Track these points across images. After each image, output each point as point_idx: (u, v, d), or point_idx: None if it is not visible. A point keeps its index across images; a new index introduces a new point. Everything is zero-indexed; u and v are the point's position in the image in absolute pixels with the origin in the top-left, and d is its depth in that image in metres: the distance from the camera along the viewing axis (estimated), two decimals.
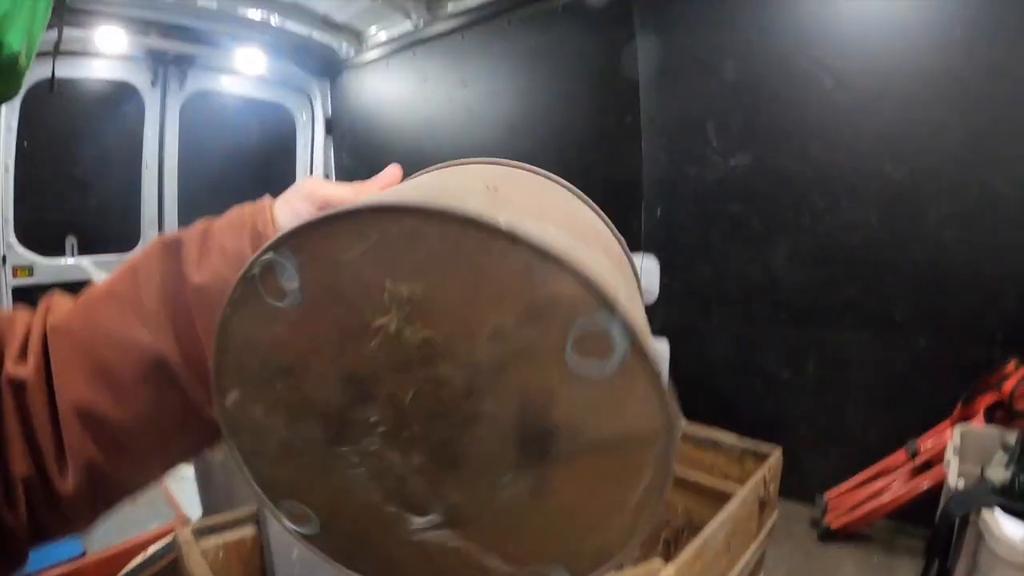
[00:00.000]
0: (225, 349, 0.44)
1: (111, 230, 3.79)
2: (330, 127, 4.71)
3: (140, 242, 3.84)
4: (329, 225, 0.38)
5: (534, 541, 0.42)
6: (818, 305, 2.65)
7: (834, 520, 2.43)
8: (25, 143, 3.27)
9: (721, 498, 1.89)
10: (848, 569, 2.30)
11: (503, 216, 0.35)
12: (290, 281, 0.40)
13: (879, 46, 2.40)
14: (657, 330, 2.89)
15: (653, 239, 3.11)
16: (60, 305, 0.54)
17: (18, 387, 0.49)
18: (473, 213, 0.35)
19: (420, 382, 0.39)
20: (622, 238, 0.63)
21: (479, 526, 0.42)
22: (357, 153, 4.64)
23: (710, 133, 2.83)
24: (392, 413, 0.40)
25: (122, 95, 3.72)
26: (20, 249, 3.30)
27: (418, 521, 0.43)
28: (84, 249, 3.63)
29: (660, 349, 3.08)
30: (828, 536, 2.46)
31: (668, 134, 3.00)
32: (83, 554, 1.65)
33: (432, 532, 0.43)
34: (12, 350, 0.50)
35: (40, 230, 3.43)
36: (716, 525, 1.48)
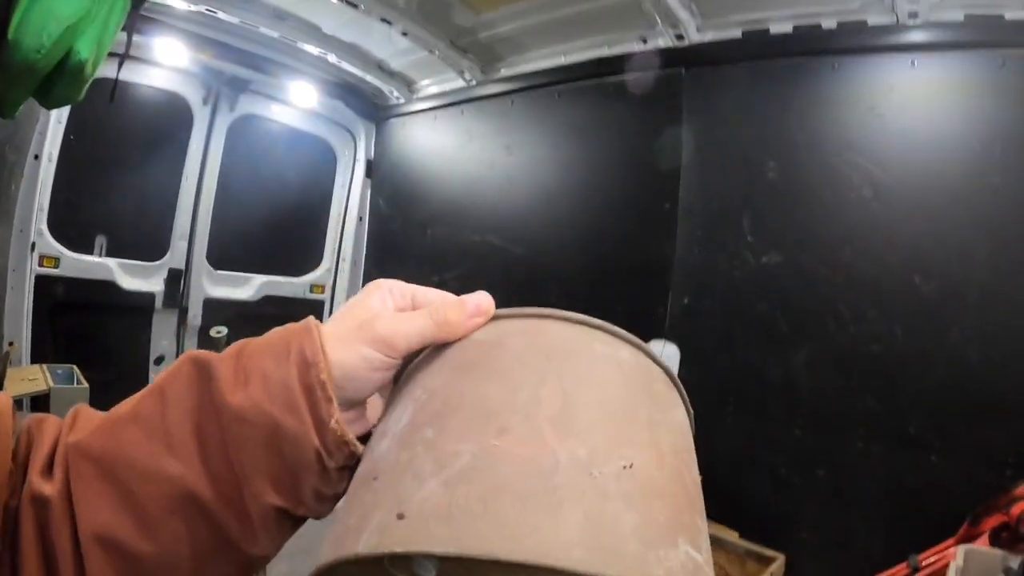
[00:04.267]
0: None
1: (142, 237, 3.82)
2: (370, 170, 4.77)
3: (169, 253, 3.88)
4: None
5: None
6: (834, 412, 2.61)
7: None
8: (72, 137, 3.33)
9: None
10: None
11: None
12: (424, 570, 0.41)
13: (919, 160, 2.44)
14: None
15: (677, 327, 3.10)
16: (85, 420, 0.51)
17: (41, 504, 0.46)
18: None
19: None
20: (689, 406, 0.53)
21: None
22: (393, 200, 4.69)
23: (745, 228, 2.85)
24: None
25: (173, 107, 3.80)
26: (50, 239, 3.33)
27: None
28: (112, 251, 3.65)
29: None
30: None
31: (704, 224, 3.02)
32: None
33: None
34: (38, 462, 0.47)
35: (72, 225, 3.46)
36: None
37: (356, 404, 0.50)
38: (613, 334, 0.48)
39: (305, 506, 0.47)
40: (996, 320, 2.24)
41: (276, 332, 0.49)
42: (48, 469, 0.47)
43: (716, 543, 1.92)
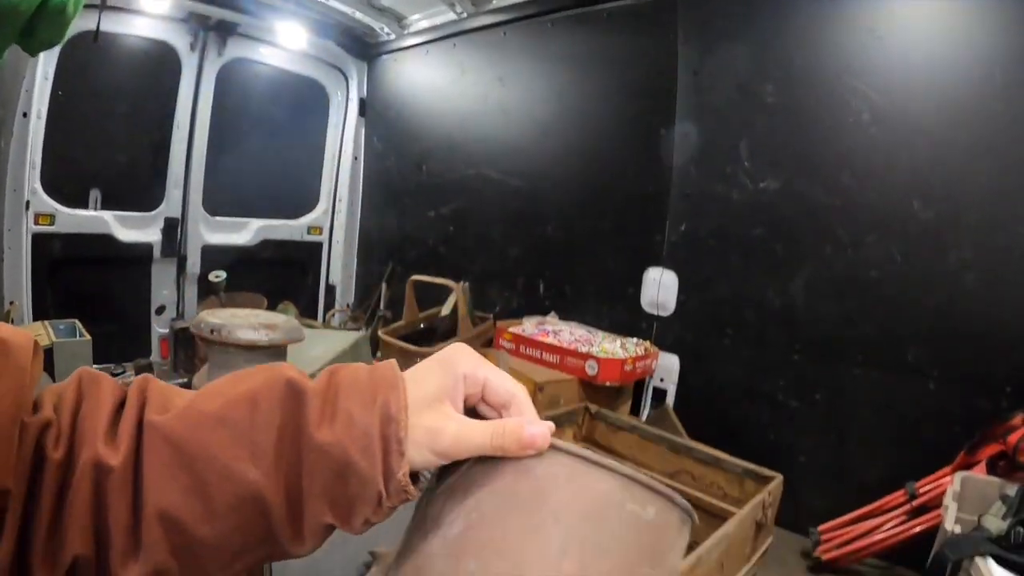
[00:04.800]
0: None
1: (136, 188, 3.81)
2: (363, 108, 4.71)
3: (164, 203, 3.87)
4: None
5: None
6: (832, 338, 2.63)
7: (825, 553, 2.41)
8: (60, 93, 3.29)
9: (719, 517, 1.88)
10: None
11: None
12: None
13: (920, 85, 2.38)
14: (669, 346, 2.90)
15: (674, 254, 3.12)
16: (158, 397, 0.53)
17: (103, 471, 0.48)
18: None
19: None
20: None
21: None
22: (388, 138, 4.64)
23: (743, 153, 2.82)
24: None
25: (160, 55, 3.73)
26: (44, 196, 3.31)
27: None
28: (107, 204, 3.64)
29: (670, 365, 3.07)
30: (819, 568, 2.44)
31: (701, 150, 2.99)
32: None
33: None
34: (101, 426, 0.50)
35: (66, 180, 3.44)
36: (712, 543, 1.48)
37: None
38: (649, 488, 0.52)
39: (352, 528, 0.52)
40: (996, 247, 2.22)
41: (364, 373, 0.53)
42: (111, 437, 0.50)
43: (715, 464, 1.97)
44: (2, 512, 0.46)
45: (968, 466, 2.09)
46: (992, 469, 2.04)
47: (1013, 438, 1.99)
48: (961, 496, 1.86)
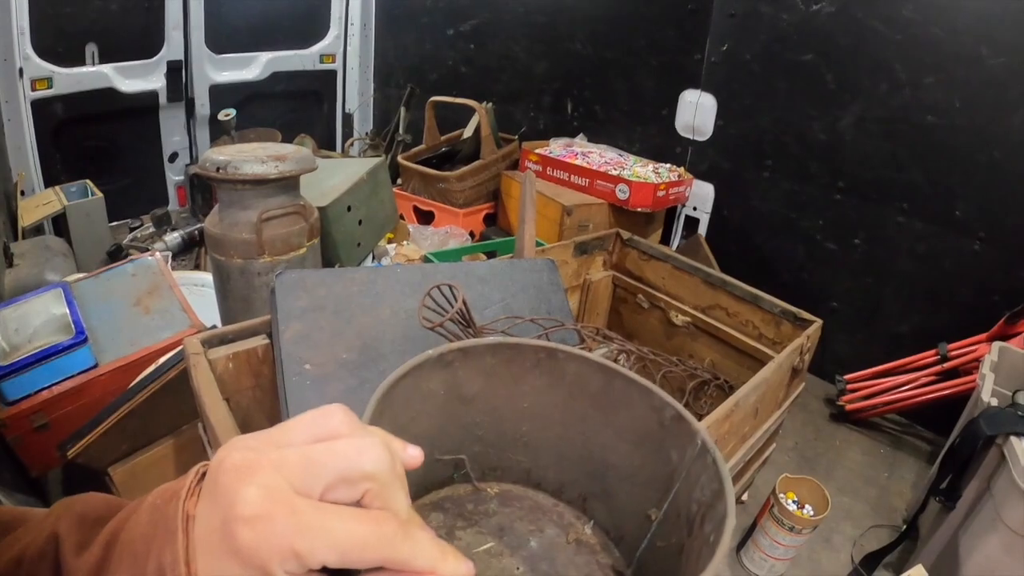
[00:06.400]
0: None
1: (133, 35, 3.56)
2: None
3: (165, 46, 3.63)
4: None
5: None
6: (878, 180, 2.48)
7: (849, 403, 2.45)
8: None
9: (750, 356, 1.88)
10: (853, 453, 2.35)
11: None
12: None
13: None
14: (704, 173, 2.78)
15: (714, 76, 2.91)
16: None
17: None
18: None
19: None
20: None
21: None
22: None
23: None
24: None
25: None
26: (38, 61, 3.13)
27: None
28: (106, 57, 3.43)
29: (704, 193, 2.97)
30: (840, 417, 2.50)
31: None
32: (95, 365, 1.65)
33: None
34: None
35: (58, 39, 3.22)
36: (750, 388, 1.45)
37: None
38: None
39: None
40: None
41: (147, 516, 0.39)
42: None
43: (753, 302, 1.90)
44: None
45: (1006, 336, 2.04)
46: None
47: None
48: (997, 367, 1.82)
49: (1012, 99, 2.09)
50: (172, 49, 3.65)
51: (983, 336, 2.14)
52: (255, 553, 0.33)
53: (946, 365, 2.20)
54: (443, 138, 3.67)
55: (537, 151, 3.19)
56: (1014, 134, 2.11)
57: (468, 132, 3.65)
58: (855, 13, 2.39)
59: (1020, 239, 2.17)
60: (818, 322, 1.75)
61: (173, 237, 3.13)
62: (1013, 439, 1.49)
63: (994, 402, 1.65)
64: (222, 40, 3.89)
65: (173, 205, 3.95)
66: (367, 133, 4.51)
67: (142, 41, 3.59)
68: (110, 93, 3.46)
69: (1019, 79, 2.07)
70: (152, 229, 3.39)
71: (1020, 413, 1.60)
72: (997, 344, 1.90)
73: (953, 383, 2.15)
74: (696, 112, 2.99)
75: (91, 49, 3.39)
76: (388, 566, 0.35)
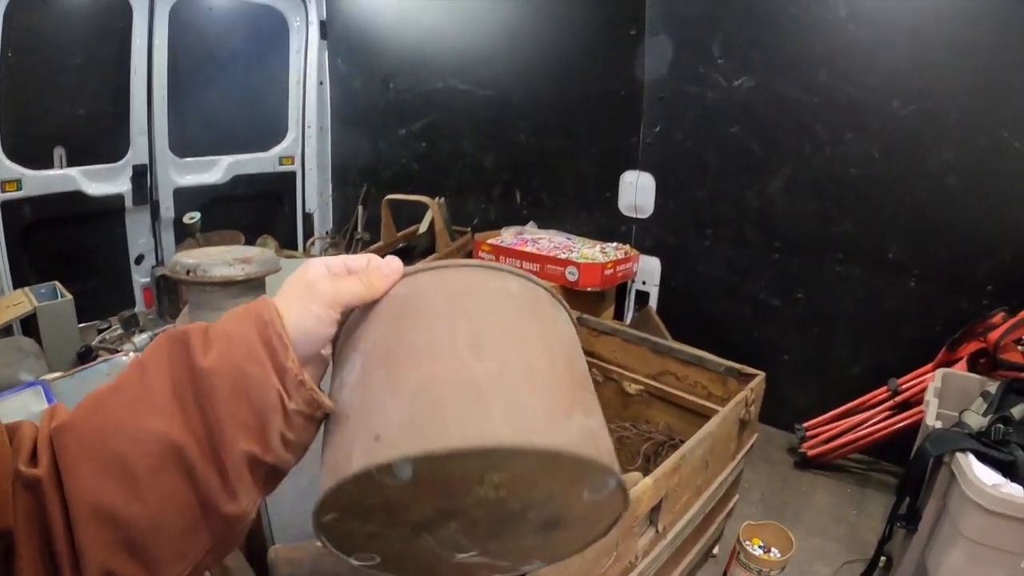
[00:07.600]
0: (328, 507, 0.51)
1: (100, 139, 3.68)
2: (324, 31, 4.50)
3: (130, 151, 3.75)
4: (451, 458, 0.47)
5: (531, 554, 0.62)
6: (812, 236, 2.65)
7: (811, 449, 2.53)
8: (9, 54, 3.15)
9: (703, 416, 1.95)
10: (821, 496, 2.42)
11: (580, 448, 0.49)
12: (404, 472, 0.48)
13: None
14: (649, 248, 2.90)
15: (650, 156, 3.09)
16: (62, 410, 0.53)
17: (32, 486, 0.48)
18: (560, 448, 0.48)
19: (493, 508, 0.52)
20: (566, 305, 0.67)
21: (501, 554, 0.60)
22: (352, 58, 4.47)
23: (716, 51, 2.74)
24: (468, 522, 0.54)
25: (109, 2, 3.53)
26: (7, 163, 3.22)
27: (462, 556, 0.58)
28: (73, 160, 3.54)
29: (651, 267, 3.10)
30: (804, 464, 2.57)
31: (673, 50, 2.90)
32: None
33: (469, 559, 0.59)
34: (22, 454, 0.50)
35: (27, 143, 3.33)
36: (695, 441, 1.54)
37: (309, 359, 0.58)
38: (499, 270, 0.61)
39: (273, 452, 0.53)
40: (976, 146, 2.22)
41: (235, 308, 0.57)
42: (32, 457, 0.50)
43: (698, 363, 2.01)
44: (9, 549, 0.48)
45: (949, 363, 2.17)
46: (973, 367, 2.11)
47: (993, 336, 2.05)
48: (942, 392, 1.93)
49: (927, 142, 2.30)
50: (137, 153, 3.76)
51: (930, 366, 2.26)
52: (326, 295, 0.57)
53: (898, 399, 2.31)
54: (400, 234, 3.75)
55: (489, 241, 3.24)
56: (931, 176, 2.31)
57: (423, 227, 3.72)
58: (774, 85, 2.62)
59: (952, 270, 2.33)
60: (760, 375, 1.85)
61: (142, 338, 3.13)
62: (959, 455, 1.58)
63: (939, 425, 1.74)
64: (185, 144, 4.02)
65: (140, 307, 3.97)
66: (327, 232, 4.61)
67: (108, 145, 3.70)
68: (77, 196, 3.53)
69: (930, 124, 2.28)
70: (121, 331, 3.38)
71: (964, 431, 1.70)
72: (940, 371, 2.02)
73: (906, 415, 2.26)
74: (636, 192, 3.15)
75: (59, 152, 3.49)
76: (367, 300, 0.59)
